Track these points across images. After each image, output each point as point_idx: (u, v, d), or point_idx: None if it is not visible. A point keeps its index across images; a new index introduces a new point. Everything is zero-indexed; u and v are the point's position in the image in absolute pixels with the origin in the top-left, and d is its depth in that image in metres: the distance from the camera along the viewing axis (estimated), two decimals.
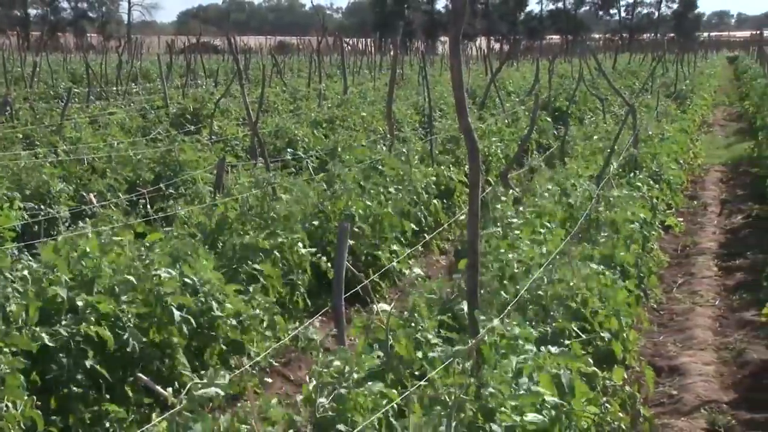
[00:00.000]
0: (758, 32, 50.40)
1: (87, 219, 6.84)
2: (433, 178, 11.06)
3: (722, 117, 26.80)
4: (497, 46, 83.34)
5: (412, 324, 4.52)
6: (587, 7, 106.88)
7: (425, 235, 9.69)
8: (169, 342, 5.45)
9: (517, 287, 5.34)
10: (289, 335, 5.83)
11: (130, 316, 5.27)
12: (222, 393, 3.06)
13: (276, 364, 6.60)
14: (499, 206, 7.33)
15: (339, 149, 12.25)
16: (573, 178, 8.93)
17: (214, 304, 5.90)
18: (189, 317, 5.65)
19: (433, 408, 3.27)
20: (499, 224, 6.82)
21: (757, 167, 15.26)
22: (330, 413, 3.15)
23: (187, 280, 5.84)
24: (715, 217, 12.43)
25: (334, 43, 35.59)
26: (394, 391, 3.62)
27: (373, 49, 47.53)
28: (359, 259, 8.59)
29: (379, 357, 3.94)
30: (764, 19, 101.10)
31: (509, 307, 4.61)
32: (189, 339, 5.70)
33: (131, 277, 5.52)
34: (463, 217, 9.70)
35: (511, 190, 8.71)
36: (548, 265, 5.64)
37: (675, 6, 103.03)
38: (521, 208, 7.39)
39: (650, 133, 13.06)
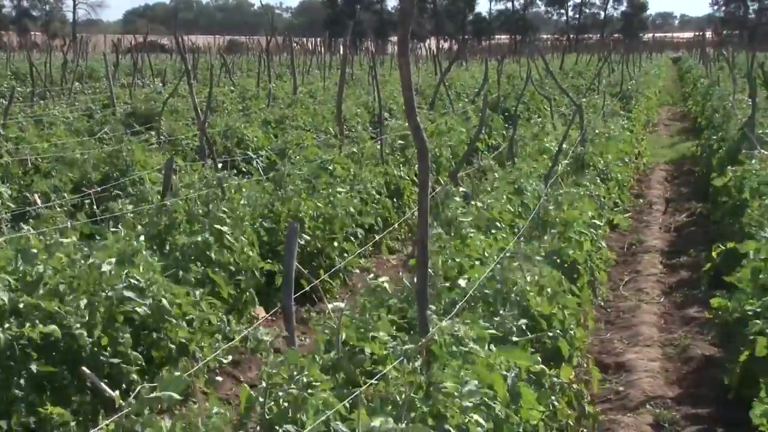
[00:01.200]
0: (700, 33, 51.32)
1: (30, 220, 6.74)
2: (384, 178, 11.08)
3: (667, 117, 27.22)
4: (447, 46, 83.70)
5: (363, 324, 4.53)
6: (536, 8, 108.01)
7: (376, 234, 9.71)
8: (116, 344, 5.38)
9: (467, 286, 5.37)
10: (239, 336, 5.79)
11: (74, 317, 5.20)
12: (176, 396, 3.03)
13: (226, 364, 6.57)
14: (449, 206, 7.36)
15: (289, 149, 12.21)
16: (523, 178, 9.00)
17: (164, 304, 5.84)
18: (136, 318, 5.59)
19: (384, 407, 3.28)
20: (449, 224, 6.85)
21: (700, 166, 15.53)
22: (279, 414, 3.15)
23: (133, 280, 5.77)
24: (660, 216, 12.63)
25: (284, 43, 35.45)
26: (345, 391, 3.63)
27: (323, 48, 47.42)
28: (310, 259, 8.57)
29: (330, 357, 3.94)
30: (706, 20, 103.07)
31: (459, 306, 4.63)
32: (136, 340, 5.64)
33: (76, 279, 5.44)
34: (413, 216, 9.73)
35: (461, 190, 8.75)
36: (498, 264, 5.68)
37: (622, 7, 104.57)
38: (471, 208, 7.43)
39: (597, 132, 13.21)
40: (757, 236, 6.55)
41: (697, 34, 59.99)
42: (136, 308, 5.57)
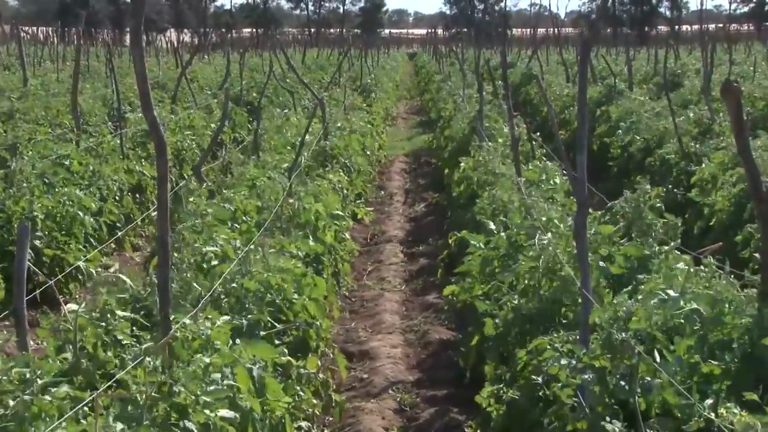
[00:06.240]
0: (433, 31, 53.72)
1: None
2: (125, 174, 10.76)
3: (405, 110, 28.26)
4: (188, 38, 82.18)
5: (103, 324, 4.38)
6: (279, 2, 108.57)
7: (118, 232, 9.41)
8: None
9: (212, 281, 5.33)
10: None
11: None
12: None
13: None
14: (192, 200, 7.26)
15: (20, 145, 11.53)
16: (267, 171, 9.04)
17: None
18: None
19: (126, 408, 3.20)
20: (193, 218, 6.76)
21: (435, 158, 16.27)
22: (11, 423, 2.98)
23: None
24: (401, 206, 13.13)
25: (12, 32, 33.39)
26: (86, 393, 3.49)
27: (55, 38, 45.04)
28: (45, 260, 8.18)
29: (66, 359, 3.78)
30: (438, 18, 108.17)
31: (203, 301, 4.59)
32: None
33: None
34: (156, 212, 9.51)
35: (205, 184, 8.66)
36: (243, 257, 5.68)
37: (360, 3, 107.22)
38: (215, 202, 7.37)
39: (339, 125, 13.50)
40: (485, 226, 6.93)
41: (430, 31, 62.57)
42: None
